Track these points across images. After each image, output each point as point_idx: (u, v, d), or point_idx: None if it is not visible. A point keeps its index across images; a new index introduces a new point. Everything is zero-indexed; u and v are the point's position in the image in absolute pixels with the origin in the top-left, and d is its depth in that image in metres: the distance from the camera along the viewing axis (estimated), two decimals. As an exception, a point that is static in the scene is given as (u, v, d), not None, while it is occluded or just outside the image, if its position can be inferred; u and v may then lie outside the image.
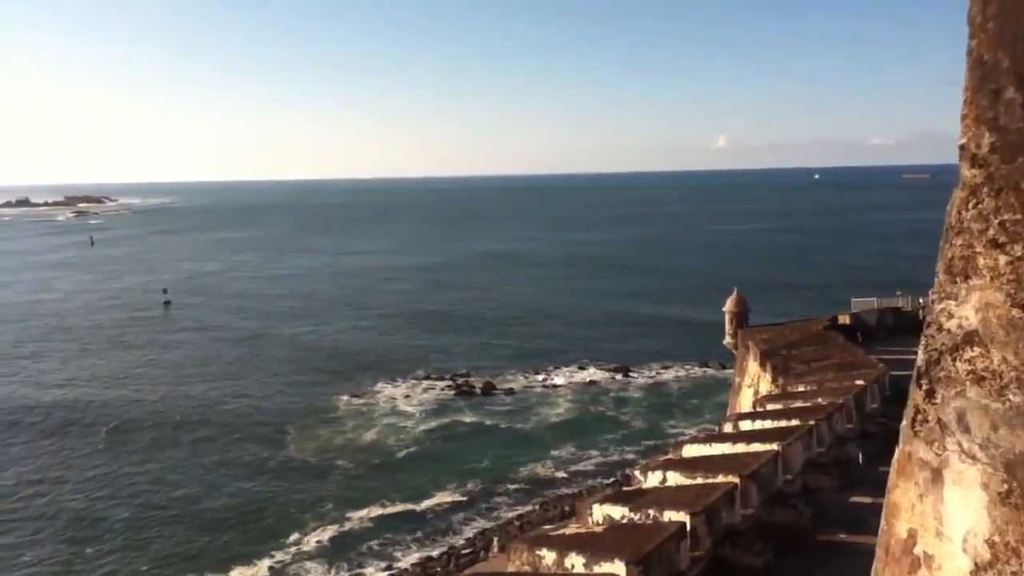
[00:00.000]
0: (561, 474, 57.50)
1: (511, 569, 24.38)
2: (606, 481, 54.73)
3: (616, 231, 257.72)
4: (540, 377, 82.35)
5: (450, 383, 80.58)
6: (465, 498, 53.41)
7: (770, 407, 32.51)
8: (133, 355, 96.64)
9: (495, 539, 42.72)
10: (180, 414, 72.43)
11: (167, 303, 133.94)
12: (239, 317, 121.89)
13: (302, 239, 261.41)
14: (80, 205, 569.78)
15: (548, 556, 21.45)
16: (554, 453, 61.08)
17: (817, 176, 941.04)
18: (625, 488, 32.44)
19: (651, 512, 21.62)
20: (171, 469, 59.31)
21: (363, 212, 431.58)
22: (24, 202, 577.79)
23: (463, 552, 44.49)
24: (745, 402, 43.10)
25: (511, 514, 50.57)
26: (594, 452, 61.39)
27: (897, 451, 3.64)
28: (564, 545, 21.43)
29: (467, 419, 69.84)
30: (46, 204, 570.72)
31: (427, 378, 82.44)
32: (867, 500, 23.62)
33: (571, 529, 24.50)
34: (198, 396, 78.18)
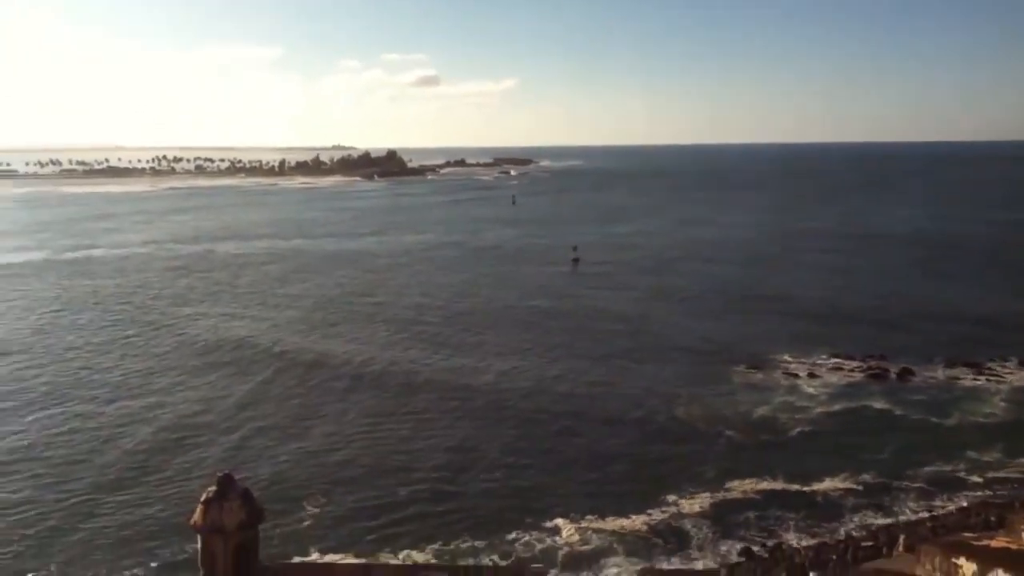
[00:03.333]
0: (977, 479, 51.16)
1: (919, 573, 22.29)
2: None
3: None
4: (969, 369, 73.18)
5: (861, 365, 74.89)
6: (860, 488, 49.77)
7: None
8: (542, 306, 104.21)
9: (902, 537, 39.22)
10: (577, 365, 76.59)
11: (576, 260, 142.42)
12: (640, 277, 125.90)
13: (694, 204, 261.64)
14: (505, 166, 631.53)
15: (967, 567, 19.47)
16: (973, 455, 54.44)
17: None
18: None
19: (1109, 539, 18.35)
20: (561, 418, 62.74)
21: (766, 177, 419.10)
22: (460, 162, 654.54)
23: (863, 544, 41.64)
24: None
25: (917, 514, 46.26)
26: (1027, 460, 53.63)
27: None
28: (988, 558, 19.22)
29: (875, 406, 64.67)
30: (478, 164, 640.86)
31: (835, 357, 77.54)
32: None
33: (998, 542, 21.74)
34: (597, 351, 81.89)
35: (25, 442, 58.46)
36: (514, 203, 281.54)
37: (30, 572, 40.73)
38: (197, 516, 20.42)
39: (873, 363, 75.13)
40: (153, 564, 41.45)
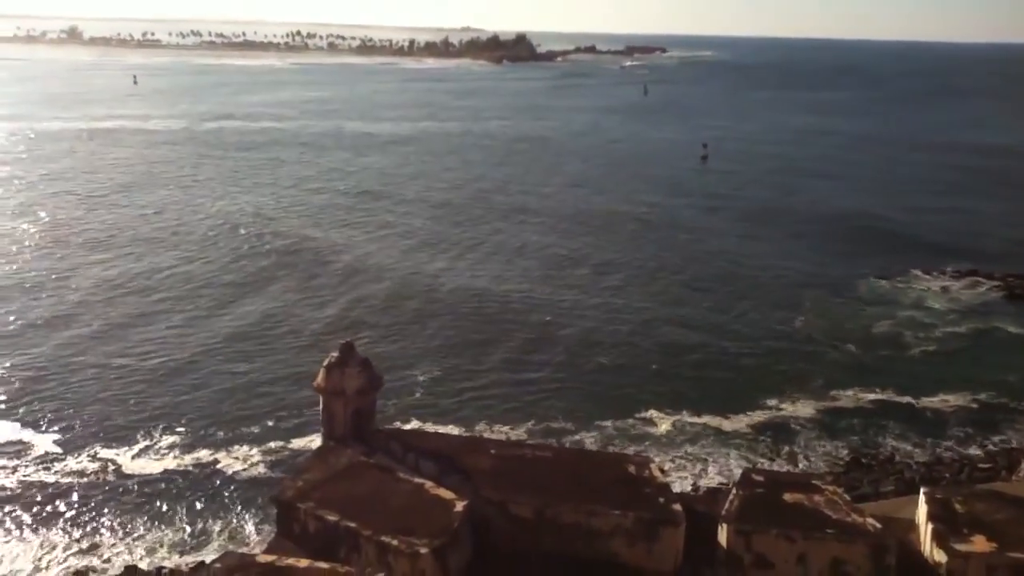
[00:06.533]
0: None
1: (1040, 499, 21.50)
2: None
3: None
4: None
5: (999, 284, 69.82)
6: (981, 409, 47.52)
7: None
8: (662, 207, 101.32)
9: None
10: (690, 264, 75.42)
11: (704, 158, 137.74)
12: (769, 177, 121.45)
13: (829, 103, 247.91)
14: (636, 55, 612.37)
15: (1095, 498, 18.50)
16: (1115, 386, 51.24)
17: None
18: None
19: None
20: (670, 317, 62.19)
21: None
22: (590, 49, 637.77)
23: (980, 465, 40.32)
24: None
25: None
26: None
27: None
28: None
29: (1011, 328, 60.80)
30: (608, 51, 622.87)
31: (971, 274, 72.50)
32: None
33: None
34: (712, 250, 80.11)
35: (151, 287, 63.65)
36: (646, 93, 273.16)
37: (160, 422, 44.01)
38: (320, 379, 21.51)
39: (1014, 280, 70.06)
40: (270, 423, 44.12)
